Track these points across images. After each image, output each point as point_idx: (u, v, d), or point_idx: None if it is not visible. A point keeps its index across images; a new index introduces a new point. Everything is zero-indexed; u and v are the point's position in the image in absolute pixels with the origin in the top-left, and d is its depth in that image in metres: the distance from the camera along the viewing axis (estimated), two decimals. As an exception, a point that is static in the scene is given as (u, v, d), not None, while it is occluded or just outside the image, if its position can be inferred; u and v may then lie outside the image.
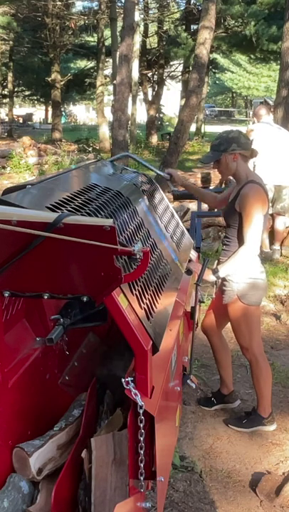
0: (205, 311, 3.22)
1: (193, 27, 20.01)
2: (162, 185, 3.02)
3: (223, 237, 2.93)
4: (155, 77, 23.19)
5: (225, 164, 2.73)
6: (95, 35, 22.15)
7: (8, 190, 1.76)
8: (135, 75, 16.02)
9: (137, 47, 15.29)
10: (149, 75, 23.30)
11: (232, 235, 2.80)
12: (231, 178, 2.94)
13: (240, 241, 2.73)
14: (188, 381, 2.47)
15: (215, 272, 2.73)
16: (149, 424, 1.58)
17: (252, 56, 21.71)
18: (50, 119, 26.77)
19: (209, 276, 2.73)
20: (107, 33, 20.17)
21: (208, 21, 9.66)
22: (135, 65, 15.48)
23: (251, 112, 27.58)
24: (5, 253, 1.41)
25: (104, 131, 19.03)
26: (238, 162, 2.72)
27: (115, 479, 1.80)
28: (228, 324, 3.01)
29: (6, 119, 26.19)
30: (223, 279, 2.82)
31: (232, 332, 3.03)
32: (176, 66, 24.10)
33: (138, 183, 2.65)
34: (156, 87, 23.02)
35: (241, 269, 2.74)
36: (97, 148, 18.23)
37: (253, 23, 16.49)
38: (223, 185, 6.29)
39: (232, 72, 28.37)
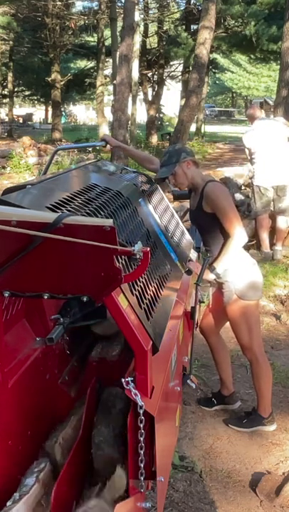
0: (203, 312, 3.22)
1: (193, 27, 20.01)
2: (162, 185, 3.02)
3: (201, 244, 2.97)
4: (155, 77, 23.17)
5: (182, 173, 2.77)
6: (95, 35, 22.16)
7: (8, 190, 1.76)
8: (135, 75, 15.98)
9: (137, 47, 15.25)
10: (149, 75, 23.29)
11: (210, 237, 2.86)
12: None
13: (225, 236, 2.78)
14: (188, 381, 2.47)
15: (212, 269, 2.75)
16: (149, 424, 1.57)
17: (252, 56, 21.72)
18: (50, 119, 26.79)
19: (209, 275, 2.76)
20: (107, 33, 20.17)
21: (208, 21, 9.68)
22: (135, 65, 15.45)
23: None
24: (5, 253, 1.41)
25: (104, 131, 19.03)
26: (192, 169, 2.78)
27: None
28: (229, 324, 3.01)
29: (6, 119, 26.20)
30: (220, 282, 2.84)
31: (232, 332, 3.03)
32: (176, 66, 24.08)
33: (138, 183, 2.65)
34: (156, 87, 23.00)
35: (233, 265, 2.78)
36: (97, 148, 18.22)
37: (253, 23, 16.50)
38: None
39: (232, 72, 28.39)
